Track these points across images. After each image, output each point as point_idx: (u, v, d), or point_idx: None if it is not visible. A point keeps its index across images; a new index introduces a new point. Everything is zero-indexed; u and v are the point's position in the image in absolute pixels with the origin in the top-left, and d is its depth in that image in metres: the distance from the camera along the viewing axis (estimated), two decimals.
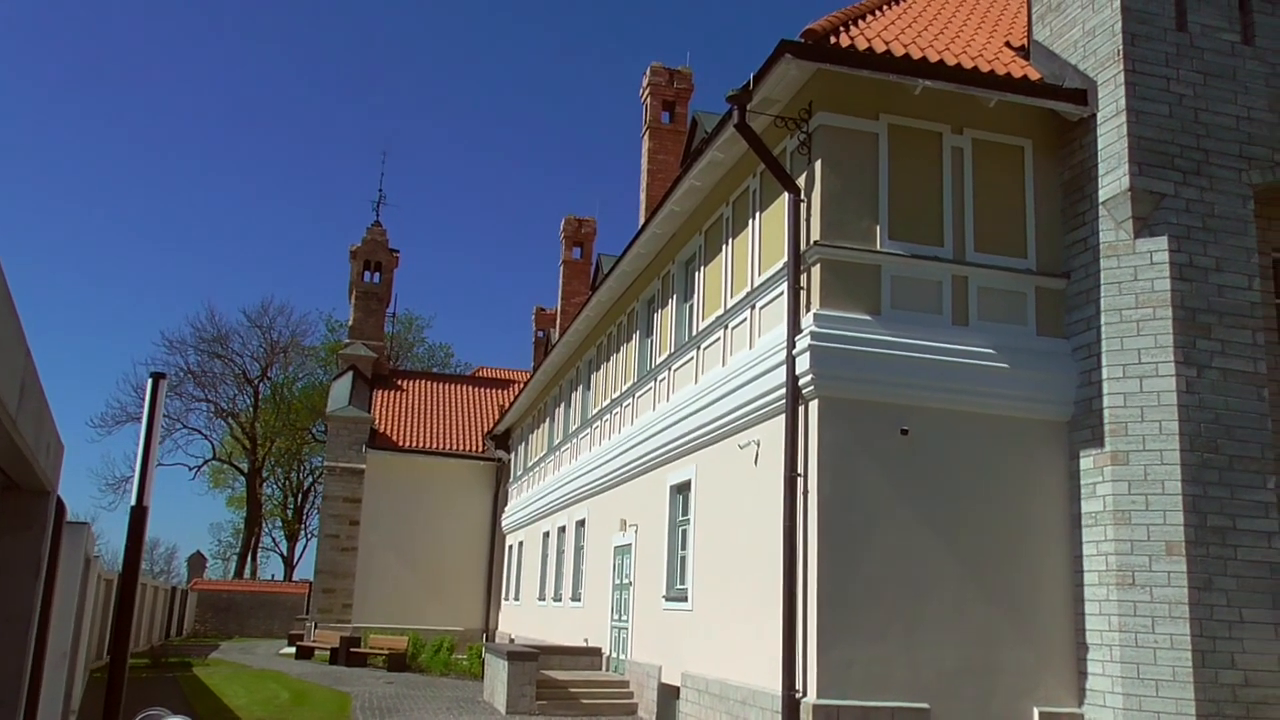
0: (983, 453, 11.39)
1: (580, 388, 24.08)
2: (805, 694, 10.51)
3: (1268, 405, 10.82)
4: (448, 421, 36.49)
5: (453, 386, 39.64)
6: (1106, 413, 11.01)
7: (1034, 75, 12.14)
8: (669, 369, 16.70)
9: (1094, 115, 11.68)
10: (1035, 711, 10.87)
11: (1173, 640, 10.12)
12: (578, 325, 22.72)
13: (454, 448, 35.00)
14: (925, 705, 10.53)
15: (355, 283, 38.77)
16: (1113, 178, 11.30)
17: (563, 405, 26.05)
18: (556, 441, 26.18)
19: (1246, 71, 11.61)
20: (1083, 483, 11.28)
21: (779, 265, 12.23)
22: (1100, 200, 11.44)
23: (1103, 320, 11.24)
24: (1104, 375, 11.10)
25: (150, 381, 5.66)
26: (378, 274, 39.05)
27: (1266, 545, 10.43)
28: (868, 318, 11.33)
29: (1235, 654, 10.08)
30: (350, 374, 36.00)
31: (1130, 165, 11.07)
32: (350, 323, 39.10)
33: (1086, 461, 11.25)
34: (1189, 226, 11.01)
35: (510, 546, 32.25)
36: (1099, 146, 11.58)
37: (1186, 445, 10.47)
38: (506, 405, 34.01)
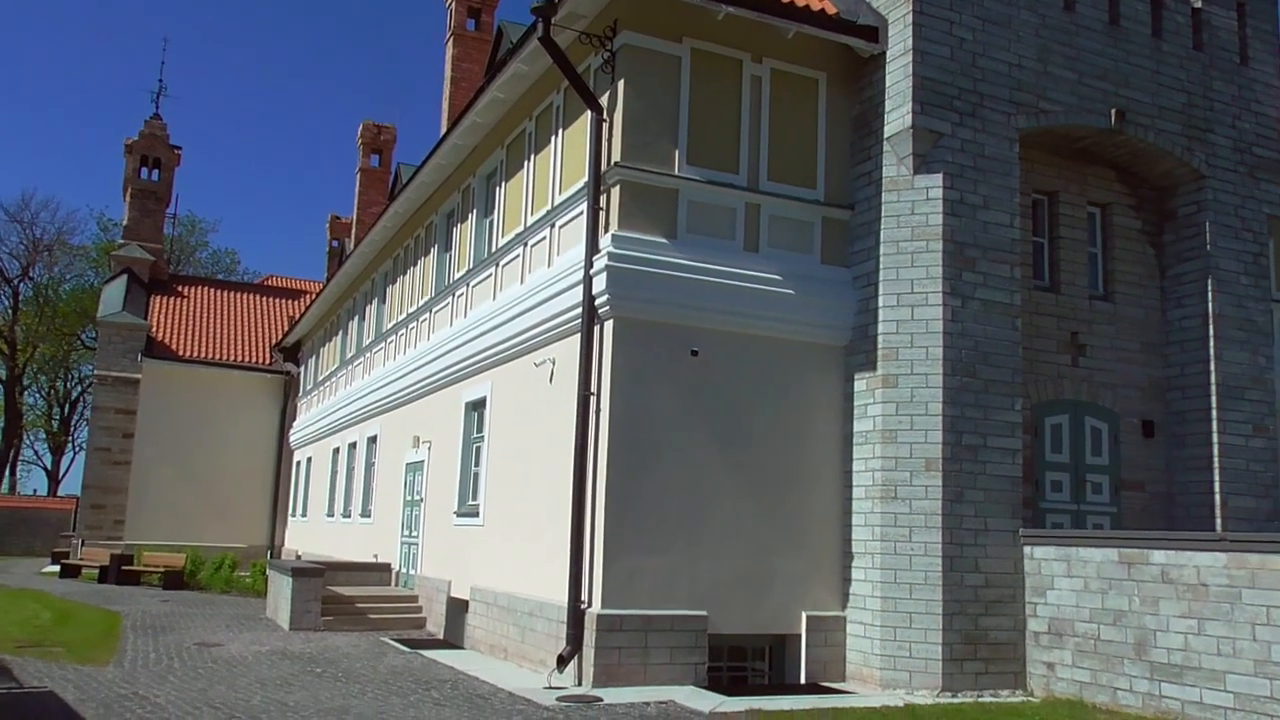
0: (767, 374, 11.90)
1: (375, 300, 23.43)
2: (590, 604, 10.84)
3: (1019, 334, 11.82)
4: (233, 331, 34.80)
5: (239, 295, 37.76)
6: (880, 339, 11.71)
7: (831, 9, 12.47)
8: (467, 285, 16.48)
9: (884, 53, 12.17)
10: (803, 615, 11.65)
11: (926, 548, 11.04)
12: (374, 236, 22.01)
13: (239, 359, 33.53)
14: (703, 612, 11.09)
15: (131, 179, 36.14)
16: (897, 115, 11.85)
17: (356, 318, 25.31)
18: (349, 355, 25.46)
19: (1020, 21, 12.36)
20: (856, 404, 12.01)
21: (580, 184, 12.22)
22: (885, 136, 11.99)
23: (881, 251, 11.89)
24: (880, 303, 11.78)
25: None
26: (156, 171, 36.53)
27: (1010, 461, 11.47)
28: (664, 241, 11.53)
29: (979, 559, 11.11)
30: (124, 277, 33.67)
31: (913, 104, 11.64)
32: (125, 222, 36.48)
33: (860, 384, 11.97)
34: (962, 165, 11.73)
35: (298, 462, 31.34)
36: (887, 84, 12.09)
37: (948, 370, 11.30)
38: (297, 317, 32.74)
